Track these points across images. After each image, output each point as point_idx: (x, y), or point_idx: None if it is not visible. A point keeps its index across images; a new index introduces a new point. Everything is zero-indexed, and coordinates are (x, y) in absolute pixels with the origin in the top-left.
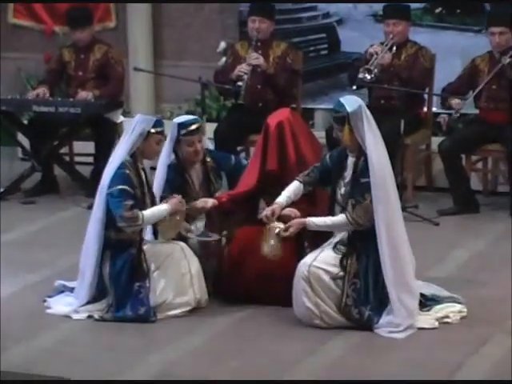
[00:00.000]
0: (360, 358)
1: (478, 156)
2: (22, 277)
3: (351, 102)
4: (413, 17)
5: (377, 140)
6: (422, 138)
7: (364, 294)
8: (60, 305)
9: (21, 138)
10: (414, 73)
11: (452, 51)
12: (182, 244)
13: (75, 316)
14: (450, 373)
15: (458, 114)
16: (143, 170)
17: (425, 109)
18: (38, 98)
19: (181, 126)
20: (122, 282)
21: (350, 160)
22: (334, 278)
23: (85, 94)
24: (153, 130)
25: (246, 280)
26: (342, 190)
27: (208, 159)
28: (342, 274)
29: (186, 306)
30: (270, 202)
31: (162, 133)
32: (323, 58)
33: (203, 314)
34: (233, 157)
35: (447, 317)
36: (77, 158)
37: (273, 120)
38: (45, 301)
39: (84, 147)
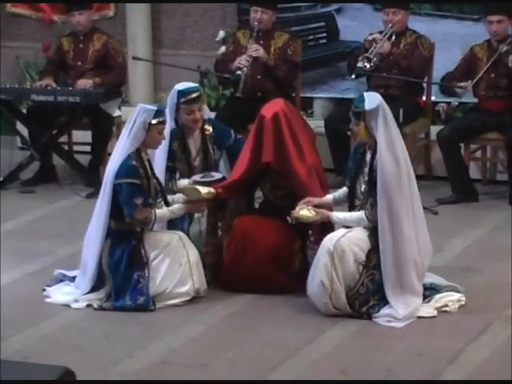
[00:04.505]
0: (359, 347)
1: (477, 144)
2: (22, 266)
3: (372, 99)
4: (411, 5)
5: (392, 142)
6: (420, 126)
7: (379, 286)
8: (59, 294)
9: (19, 126)
10: (413, 61)
11: (451, 39)
12: (181, 234)
13: (74, 305)
14: (449, 361)
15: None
16: (148, 160)
17: (424, 97)
18: (37, 87)
19: (180, 93)
20: (121, 272)
21: (368, 156)
22: (357, 261)
23: (84, 82)
24: (154, 121)
25: (246, 270)
26: (363, 188)
27: (207, 127)
28: (364, 260)
29: (186, 296)
30: (267, 192)
31: (163, 122)
32: (322, 46)
33: (202, 303)
34: (233, 134)
35: (446, 305)
36: (76, 147)
37: (268, 112)
38: (44, 290)
39: (83, 136)
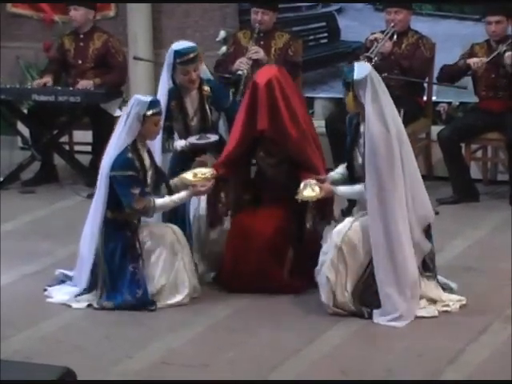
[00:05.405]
0: (359, 347)
1: (478, 145)
2: (22, 266)
3: (361, 69)
4: (413, 5)
5: (380, 107)
6: (421, 126)
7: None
8: (60, 294)
9: (20, 127)
10: (414, 62)
11: (452, 40)
12: (175, 227)
13: (75, 305)
14: (449, 361)
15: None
16: (148, 151)
17: (425, 97)
18: (38, 87)
19: (177, 53)
20: (116, 262)
21: (362, 128)
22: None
23: (85, 83)
24: (149, 113)
25: (246, 267)
26: (360, 160)
27: (205, 88)
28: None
29: (184, 292)
30: (260, 161)
31: (158, 113)
32: (323, 46)
33: (202, 304)
34: (231, 96)
35: (447, 305)
36: (76, 147)
37: (261, 79)
38: (45, 290)
39: (84, 136)
